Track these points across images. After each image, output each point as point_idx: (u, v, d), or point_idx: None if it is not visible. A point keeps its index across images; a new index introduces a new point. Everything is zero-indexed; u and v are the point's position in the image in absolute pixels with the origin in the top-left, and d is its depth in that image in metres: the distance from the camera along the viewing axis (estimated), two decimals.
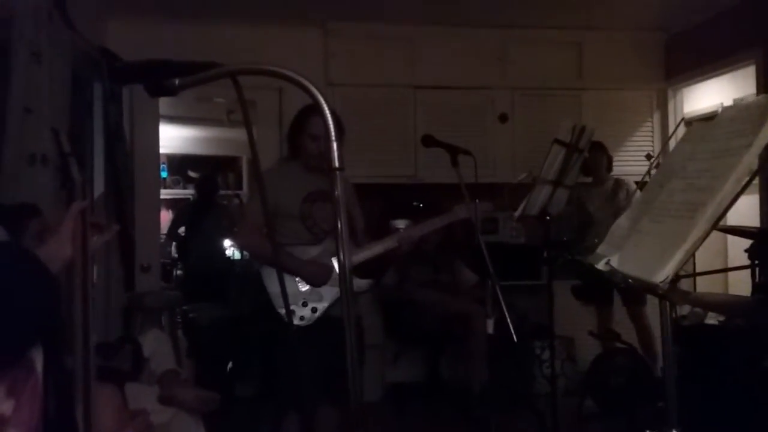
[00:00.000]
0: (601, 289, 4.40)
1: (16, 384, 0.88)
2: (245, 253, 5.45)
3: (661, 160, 4.41)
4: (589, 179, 4.70)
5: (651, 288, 1.13)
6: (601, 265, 1.36)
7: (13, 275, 0.86)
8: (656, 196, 1.35)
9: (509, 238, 5.11)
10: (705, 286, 4.63)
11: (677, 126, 4.67)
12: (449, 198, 3.27)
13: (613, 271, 1.30)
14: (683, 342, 3.03)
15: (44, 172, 3.13)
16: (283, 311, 2.74)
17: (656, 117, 5.39)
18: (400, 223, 4.99)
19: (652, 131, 5.35)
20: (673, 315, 3.57)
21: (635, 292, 4.15)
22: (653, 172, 4.11)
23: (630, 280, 1.23)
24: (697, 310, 3.77)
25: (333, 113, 1.07)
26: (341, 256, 1.10)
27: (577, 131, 3.20)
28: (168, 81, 0.96)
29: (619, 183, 4.66)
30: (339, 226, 1.10)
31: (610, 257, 1.34)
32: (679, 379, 1.71)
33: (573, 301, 4.64)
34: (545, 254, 5.17)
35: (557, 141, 3.23)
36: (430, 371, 4.92)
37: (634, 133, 5.33)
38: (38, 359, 0.94)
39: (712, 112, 5.10)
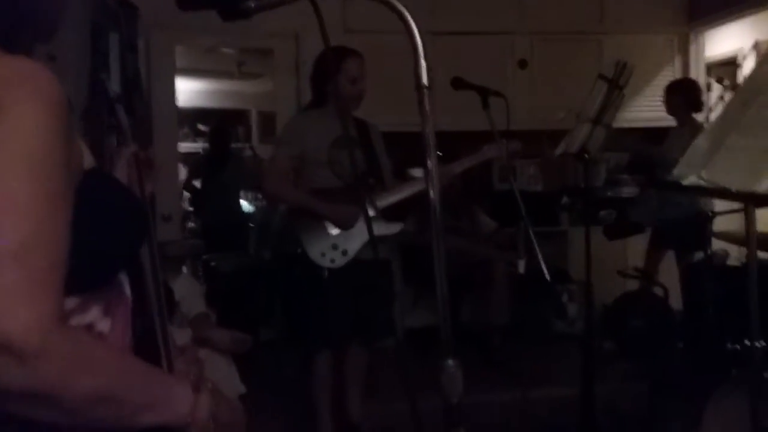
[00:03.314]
0: (671, 233, 4.31)
1: (110, 305, 0.91)
2: (264, 201, 5.48)
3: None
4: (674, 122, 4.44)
5: (748, 198, 1.12)
6: (690, 181, 1.35)
7: (106, 199, 0.89)
8: (741, 114, 1.35)
9: (527, 185, 5.13)
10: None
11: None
12: (468, 146, 3.27)
13: (697, 189, 1.30)
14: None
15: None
16: (320, 256, 2.80)
17: (677, 61, 5.32)
18: (417, 172, 4.99)
19: (674, 76, 5.28)
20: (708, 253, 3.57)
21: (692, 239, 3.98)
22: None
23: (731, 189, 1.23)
24: (719, 250, 3.81)
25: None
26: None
27: (620, 68, 3.11)
28: (243, 3, 0.96)
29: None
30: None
31: (696, 175, 1.33)
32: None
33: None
34: (564, 200, 5.18)
35: (601, 76, 3.15)
36: (449, 316, 4.98)
37: (654, 78, 5.26)
38: (126, 283, 0.97)
39: (733, 57, 5.04)
